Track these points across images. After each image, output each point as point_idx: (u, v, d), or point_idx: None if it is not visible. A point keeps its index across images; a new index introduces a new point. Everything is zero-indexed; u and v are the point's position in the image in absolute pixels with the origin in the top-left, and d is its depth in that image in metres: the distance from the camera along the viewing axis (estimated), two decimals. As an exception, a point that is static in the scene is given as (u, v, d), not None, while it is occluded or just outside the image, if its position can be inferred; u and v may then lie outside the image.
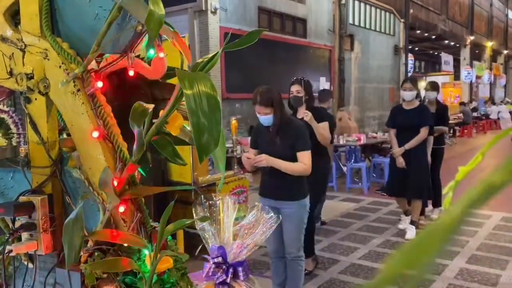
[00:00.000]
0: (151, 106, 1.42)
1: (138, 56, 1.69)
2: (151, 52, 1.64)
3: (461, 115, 16.58)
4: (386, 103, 16.03)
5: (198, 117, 1.15)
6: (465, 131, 16.96)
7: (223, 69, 9.66)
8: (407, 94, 4.88)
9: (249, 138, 3.37)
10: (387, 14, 16.61)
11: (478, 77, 25.55)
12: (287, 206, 2.99)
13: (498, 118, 19.58)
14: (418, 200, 5.02)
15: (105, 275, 1.50)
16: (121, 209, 1.51)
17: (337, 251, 4.63)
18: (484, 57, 27.48)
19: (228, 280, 1.93)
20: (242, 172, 4.78)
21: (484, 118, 19.62)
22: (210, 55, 1.36)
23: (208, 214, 1.99)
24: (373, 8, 15.75)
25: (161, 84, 1.79)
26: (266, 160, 2.90)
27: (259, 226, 2.04)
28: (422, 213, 5.60)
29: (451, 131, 15.93)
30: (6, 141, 1.79)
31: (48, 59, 1.57)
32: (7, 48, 1.63)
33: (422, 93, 5.67)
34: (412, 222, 5.10)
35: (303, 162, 2.94)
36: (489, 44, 27.40)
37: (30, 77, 1.58)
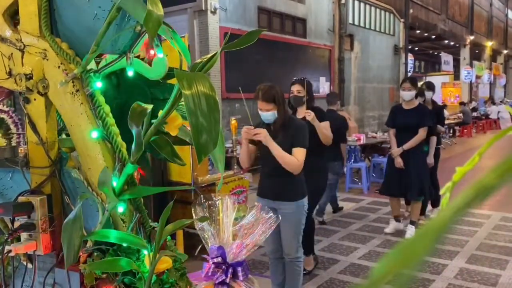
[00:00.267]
0: (149, 107, 1.42)
1: (138, 57, 1.69)
2: (152, 52, 1.64)
3: (461, 115, 16.59)
4: (386, 103, 16.03)
5: (196, 118, 1.15)
6: (465, 131, 16.97)
7: (223, 69, 9.66)
8: (406, 94, 4.87)
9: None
10: (387, 14, 16.61)
11: (478, 77, 25.56)
12: (285, 206, 2.98)
13: (498, 118, 19.59)
14: (417, 200, 5.02)
15: (104, 275, 1.50)
16: (120, 209, 1.51)
17: (337, 251, 4.63)
18: (484, 57, 27.49)
19: (227, 280, 1.93)
20: (241, 172, 4.78)
21: (484, 118, 19.62)
22: (209, 55, 1.36)
23: (208, 214, 1.99)
24: (373, 8, 15.75)
25: (162, 84, 1.79)
26: (264, 136, 2.85)
27: (259, 226, 2.04)
28: (423, 213, 5.61)
29: (451, 131, 15.93)
30: (6, 141, 1.79)
31: (47, 59, 1.57)
32: (6, 48, 1.63)
33: (427, 94, 5.66)
34: (411, 222, 5.10)
35: (297, 158, 2.92)
36: (489, 44, 27.41)
37: (29, 77, 1.58)
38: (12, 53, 1.62)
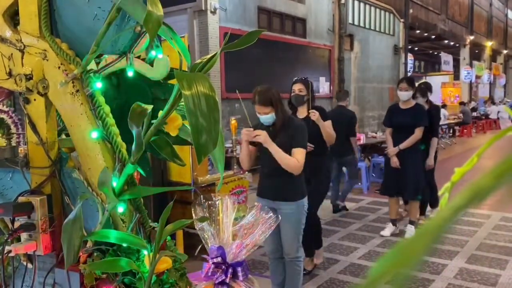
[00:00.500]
0: (149, 107, 1.42)
1: (139, 57, 1.70)
2: (153, 53, 1.65)
3: (461, 115, 16.59)
4: (385, 103, 16.03)
5: (196, 118, 1.15)
6: (465, 131, 16.97)
7: (223, 69, 9.66)
8: (403, 94, 4.87)
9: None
10: (387, 14, 16.61)
11: (477, 77, 25.57)
12: (285, 206, 2.98)
13: (498, 118, 19.59)
14: (415, 200, 5.02)
15: (104, 275, 1.51)
16: (120, 209, 1.51)
17: (337, 251, 4.63)
18: (484, 57, 27.50)
19: (227, 280, 1.93)
20: (241, 172, 4.78)
21: (483, 118, 19.63)
22: (209, 56, 1.36)
23: (208, 214, 1.99)
24: (372, 8, 15.75)
25: (164, 85, 1.79)
26: (264, 138, 2.86)
27: (258, 226, 2.04)
28: (423, 213, 5.61)
29: (451, 131, 15.93)
30: (6, 141, 1.80)
31: (47, 60, 1.57)
32: (6, 48, 1.63)
33: (432, 97, 5.71)
34: (411, 222, 5.10)
35: (297, 158, 2.92)
36: (488, 44, 27.42)
37: (29, 77, 1.58)
38: (12, 54, 1.62)
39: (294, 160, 2.90)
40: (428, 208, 5.77)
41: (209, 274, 1.94)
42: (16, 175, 1.71)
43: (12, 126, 1.84)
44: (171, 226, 1.47)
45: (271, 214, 2.11)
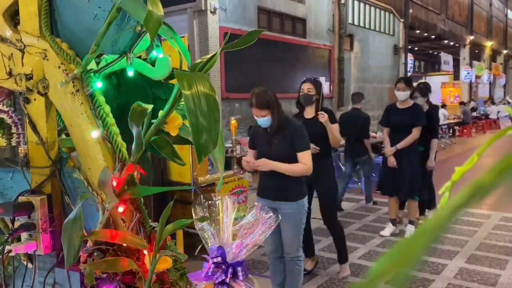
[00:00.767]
0: (149, 106, 1.42)
1: (140, 57, 1.70)
2: (154, 53, 1.65)
3: (461, 115, 16.59)
4: (385, 103, 15.98)
5: (196, 118, 1.15)
6: (465, 130, 16.98)
7: (223, 69, 9.66)
8: (401, 94, 4.86)
9: (248, 138, 3.36)
10: (387, 14, 16.61)
11: (477, 77, 25.58)
12: (285, 206, 2.99)
13: (498, 118, 19.60)
14: (413, 200, 5.02)
15: (104, 275, 1.51)
16: (120, 209, 1.51)
17: (337, 251, 4.63)
18: (484, 57, 27.51)
19: (227, 280, 1.93)
20: (241, 172, 4.79)
21: (483, 117, 19.64)
22: (209, 56, 1.36)
23: (208, 214, 1.99)
24: (372, 8, 15.76)
25: (165, 84, 1.79)
26: (265, 164, 2.91)
27: (258, 226, 2.04)
28: (422, 213, 5.62)
29: (451, 131, 15.94)
30: (6, 141, 1.80)
31: (47, 60, 1.57)
32: (6, 48, 1.63)
33: (432, 97, 5.74)
34: (410, 222, 5.11)
35: (303, 162, 2.95)
36: (488, 44, 27.43)
37: (29, 77, 1.58)
38: (12, 53, 1.62)
39: (301, 166, 2.95)
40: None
41: (209, 274, 1.94)
42: (16, 174, 1.71)
43: (12, 126, 1.84)
44: (171, 226, 1.47)
45: (271, 214, 2.11)
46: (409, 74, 17.71)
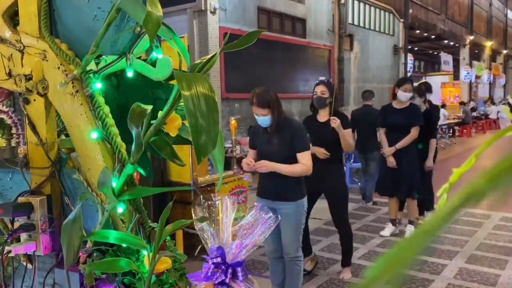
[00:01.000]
0: (149, 107, 1.42)
1: (140, 58, 1.69)
2: (154, 54, 1.65)
3: (461, 114, 16.59)
4: (385, 103, 16.01)
5: (196, 118, 1.15)
6: (465, 131, 16.98)
7: (223, 69, 9.67)
8: (406, 95, 4.85)
9: (248, 138, 3.36)
10: (387, 14, 16.62)
11: (477, 77, 25.59)
12: (284, 206, 2.99)
13: (498, 118, 19.60)
14: (412, 200, 5.02)
15: (104, 276, 1.51)
16: (120, 209, 1.51)
17: (337, 251, 4.62)
18: (484, 56, 27.52)
19: (227, 281, 1.93)
20: (241, 172, 4.79)
21: (483, 118, 19.64)
22: (208, 56, 1.36)
23: (207, 215, 2.00)
24: (372, 8, 15.76)
25: (165, 85, 1.79)
26: (264, 166, 2.92)
27: (258, 226, 2.04)
28: (422, 213, 5.61)
29: (451, 131, 15.94)
30: (6, 141, 1.80)
31: (47, 60, 1.57)
32: (6, 49, 1.63)
33: (432, 97, 5.75)
34: (410, 222, 5.11)
35: (303, 162, 2.95)
36: (488, 44, 27.44)
37: (28, 78, 1.58)
38: (11, 54, 1.62)
39: (301, 166, 2.95)
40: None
41: (209, 274, 1.94)
42: (16, 175, 1.71)
43: (12, 127, 1.84)
44: (170, 226, 1.47)
45: (271, 214, 2.11)
46: (409, 74, 17.71)
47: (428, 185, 5.46)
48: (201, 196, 2.18)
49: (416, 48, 24.18)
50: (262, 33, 1.49)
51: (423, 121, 4.87)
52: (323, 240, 4.96)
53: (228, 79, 9.76)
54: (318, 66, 13.07)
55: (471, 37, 24.53)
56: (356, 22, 14.90)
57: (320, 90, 3.75)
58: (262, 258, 4.27)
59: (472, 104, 20.94)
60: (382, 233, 5.14)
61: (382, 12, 16.35)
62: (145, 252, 1.49)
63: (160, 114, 1.44)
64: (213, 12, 9.44)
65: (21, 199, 1.60)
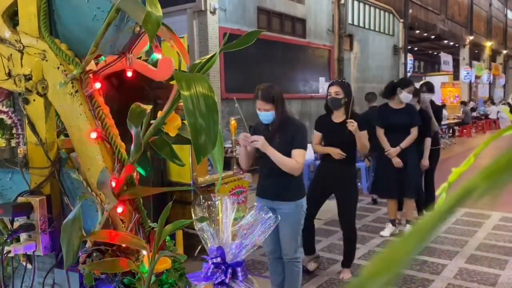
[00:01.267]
0: (149, 107, 1.42)
1: (140, 58, 1.70)
2: (154, 54, 1.65)
3: (462, 115, 16.59)
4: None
5: (195, 118, 1.15)
6: (464, 131, 16.97)
7: (222, 69, 9.66)
8: (408, 97, 4.85)
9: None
10: (387, 14, 16.62)
11: (477, 77, 25.58)
12: (284, 206, 2.98)
13: (498, 118, 19.60)
14: (412, 199, 5.02)
15: (103, 276, 1.51)
16: (119, 209, 1.51)
17: (337, 251, 4.63)
18: (483, 57, 27.51)
19: (226, 281, 1.93)
20: (241, 172, 4.78)
21: (483, 118, 19.64)
22: (208, 56, 1.36)
23: (207, 215, 2.00)
24: (372, 8, 15.76)
25: (165, 85, 1.79)
26: (262, 143, 2.85)
27: (258, 227, 2.04)
28: (422, 213, 5.61)
29: (451, 131, 15.93)
30: (5, 141, 1.80)
31: (47, 60, 1.57)
32: (5, 49, 1.63)
33: (428, 96, 5.76)
34: (408, 222, 5.11)
35: (296, 160, 2.91)
36: (488, 44, 27.44)
37: (28, 78, 1.58)
38: (11, 54, 1.62)
39: (293, 162, 2.90)
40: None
41: (209, 274, 1.94)
42: (16, 175, 1.71)
43: (12, 127, 1.84)
44: (170, 226, 1.47)
45: (271, 214, 2.11)
46: (409, 74, 17.71)
47: (430, 185, 5.46)
48: (201, 196, 2.18)
49: (416, 48, 24.18)
50: (261, 33, 1.49)
51: (420, 121, 4.88)
52: (323, 240, 4.96)
53: (228, 79, 9.76)
54: (318, 66, 13.06)
55: (471, 37, 24.53)
56: (356, 22, 14.90)
57: (334, 90, 3.68)
58: (262, 258, 4.27)
59: (472, 104, 20.94)
60: (382, 233, 5.14)
61: (382, 12, 16.35)
62: (144, 252, 1.49)
63: (160, 114, 1.44)
64: (213, 12, 9.44)
65: (20, 199, 1.60)
